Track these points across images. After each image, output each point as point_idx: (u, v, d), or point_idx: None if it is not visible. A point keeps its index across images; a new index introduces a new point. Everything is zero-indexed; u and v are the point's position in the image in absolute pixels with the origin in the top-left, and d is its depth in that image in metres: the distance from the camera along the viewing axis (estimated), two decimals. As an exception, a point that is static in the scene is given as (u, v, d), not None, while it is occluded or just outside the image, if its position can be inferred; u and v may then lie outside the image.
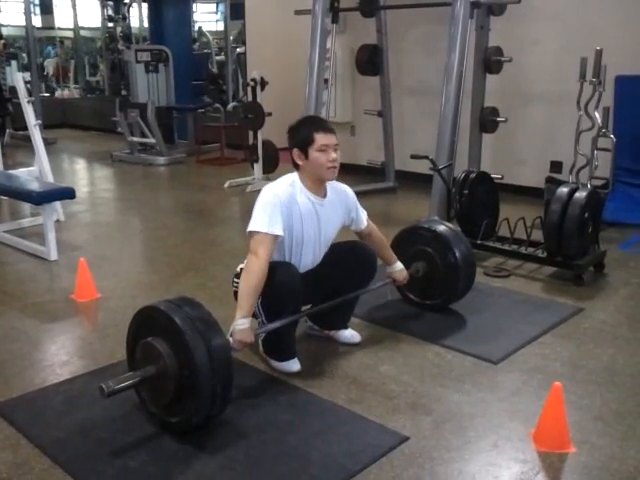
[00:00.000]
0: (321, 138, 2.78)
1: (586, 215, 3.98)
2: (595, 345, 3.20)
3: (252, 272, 2.64)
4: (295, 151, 2.83)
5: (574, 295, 3.85)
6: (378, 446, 2.37)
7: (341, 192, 3.00)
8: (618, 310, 3.67)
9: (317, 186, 2.87)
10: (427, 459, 2.30)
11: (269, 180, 6.51)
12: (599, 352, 3.12)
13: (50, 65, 13.73)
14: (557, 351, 3.13)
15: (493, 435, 2.44)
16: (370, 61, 6.55)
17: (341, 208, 3.01)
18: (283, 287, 2.73)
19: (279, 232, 2.73)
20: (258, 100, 6.75)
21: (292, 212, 2.80)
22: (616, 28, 5.49)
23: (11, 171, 5.71)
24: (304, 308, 3.01)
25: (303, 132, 2.82)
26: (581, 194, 4.00)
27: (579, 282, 3.98)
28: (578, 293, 3.88)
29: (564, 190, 4.06)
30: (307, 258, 2.95)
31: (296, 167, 2.87)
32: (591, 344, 3.21)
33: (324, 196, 2.90)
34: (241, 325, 2.56)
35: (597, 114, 4.90)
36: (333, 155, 2.81)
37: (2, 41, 10.09)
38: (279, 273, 2.74)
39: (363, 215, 3.15)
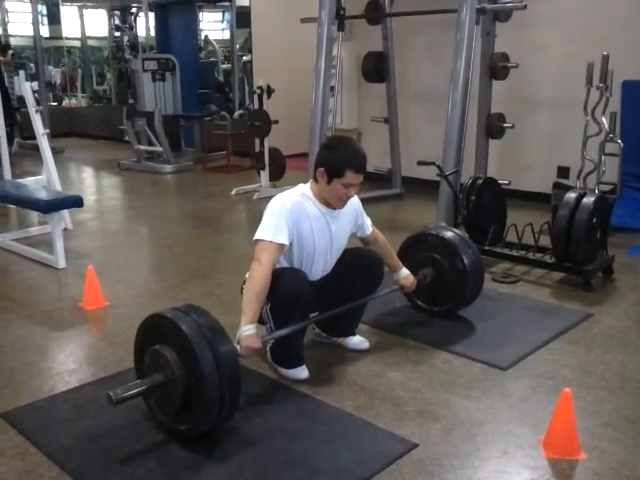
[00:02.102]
0: (351, 177, 2.78)
1: (594, 220, 3.97)
2: (604, 351, 3.18)
3: (255, 279, 2.65)
4: (321, 170, 2.81)
5: (583, 301, 3.83)
6: (387, 453, 2.36)
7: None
8: (627, 315, 3.65)
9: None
10: (436, 466, 2.29)
11: (276, 187, 6.55)
12: (608, 358, 3.10)
13: (57, 74, 13.82)
14: (566, 357, 3.11)
15: (502, 442, 2.43)
16: (376, 68, 6.57)
17: (350, 216, 3.02)
18: (291, 293, 2.73)
19: (284, 241, 2.74)
20: (264, 108, 6.76)
21: (300, 222, 2.80)
22: (622, 33, 5.49)
23: (19, 180, 5.74)
24: (312, 315, 3.00)
25: (338, 161, 2.78)
26: (589, 199, 3.99)
27: (588, 288, 3.97)
28: (587, 299, 3.86)
29: (572, 195, 4.05)
30: (318, 268, 2.95)
31: (314, 178, 2.88)
32: (600, 350, 3.20)
33: (335, 208, 2.91)
34: (247, 331, 2.56)
35: (604, 119, 4.90)
36: (352, 193, 2.85)
37: (10, 51, 10.16)
38: (287, 279, 2.74)
39: (368, 221, 3.16)
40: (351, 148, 2.86)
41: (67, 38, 13.97)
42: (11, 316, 3.72)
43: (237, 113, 9.28)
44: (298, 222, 2.80)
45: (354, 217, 3.06)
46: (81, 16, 13.08)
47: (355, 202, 3.06)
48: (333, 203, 2.87)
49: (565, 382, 2.79)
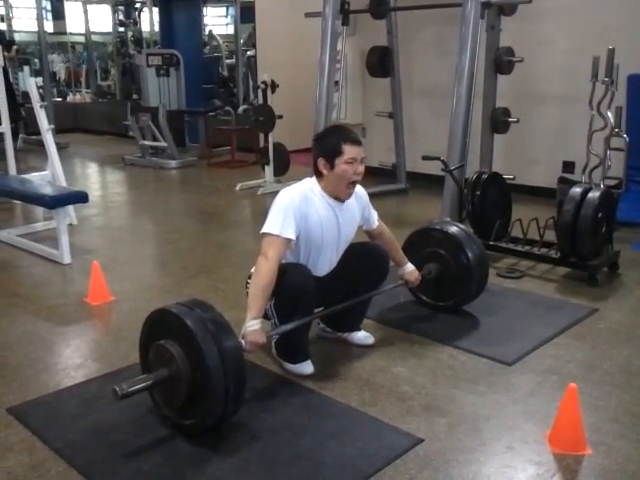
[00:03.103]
0: (350, 150, 2.77)
1: (599, 215, 3.96)
2: (610, 346, 3.18)
3: (261, 273, 2.65)
4: (321, 160, 2.81)
5: (588, 296, 3.82)
6: (392, 448, 2.36)
7: (356, 192, 3.00)
8: (633, 310, 3.64)
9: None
10: (442, 461, 2.29)
11: (280, 183, 6.54)
12: (614, 353, 3.10)
13: (62, 70, 13.84)
14: (572, 352, 3.11)
15: (508, 437, 2.43)
16: (380, 63, 6.55)
17: (357, 208, 3.02)
18: (295, 288, 2.73)
19: (291, 236, 2.73)
20: (269, 103, 6.75)
21: (309, 215, 2.79)
22: (628, 27, 5.46)
23: (24, 175, 5.74)
24: (317, 310, 3.00)
25: (331, 142, 2.80)
26: (594, 194, 3.98)
27: (593, 282, 3.96)
28: (592, 294, 3.86)
29: (577, 190, 4.03)
30: (324, 262, 2.95)
31: (318, 175, 2.87)
32: (606, 345, 3.19)
33: (343, 200, 2.91)
34: (252, 326, 2.57)
35: (609, 114, 4.88)
36: (360, 168, 2.82)
37: (15, 47, 10.17)
38: (291, 274, 2.74)
39: (374, 214, 3.16)
40: (337, 128, 2.98)
41: (71, 33, 13.99)
42: (17, 311, 3.73)
43: (241, 108, 9.28)
44: (306, 215, 2.79)
45: (361, 209, 3.05)
46: (85, 11, 13.09)
47: (362, 195, 3.06)
48: (342, 191, 2.85)
49: (571, 377, 2.78)
